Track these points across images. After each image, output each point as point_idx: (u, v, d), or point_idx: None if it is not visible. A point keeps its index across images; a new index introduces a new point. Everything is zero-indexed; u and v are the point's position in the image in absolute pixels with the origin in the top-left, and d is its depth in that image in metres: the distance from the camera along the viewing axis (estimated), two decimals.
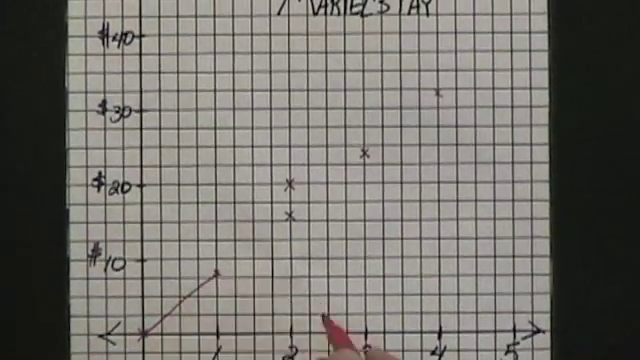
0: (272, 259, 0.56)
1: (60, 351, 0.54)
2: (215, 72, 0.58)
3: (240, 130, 0.56)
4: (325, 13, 0.57)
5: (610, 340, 0.56)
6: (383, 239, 0.56)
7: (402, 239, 0.56)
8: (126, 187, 0.56)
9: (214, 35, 0.57)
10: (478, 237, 0.57)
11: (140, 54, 0.56)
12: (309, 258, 0.56)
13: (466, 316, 0.56)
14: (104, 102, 0.56)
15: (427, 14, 0.57)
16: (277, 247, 0.56)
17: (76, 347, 0.55)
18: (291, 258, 0.56)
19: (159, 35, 0.57)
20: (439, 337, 0.56)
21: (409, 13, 0.57)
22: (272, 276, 0.56)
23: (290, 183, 0.56)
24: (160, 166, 0.56)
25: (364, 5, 0.57)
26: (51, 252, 0.55)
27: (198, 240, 0.56)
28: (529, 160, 0.59)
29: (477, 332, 0.56)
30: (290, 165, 0.56)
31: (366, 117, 0.57)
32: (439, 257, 0.57)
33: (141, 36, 0.56)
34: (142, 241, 0.56)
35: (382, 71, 0.57)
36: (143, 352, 0.55)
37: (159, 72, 0.57)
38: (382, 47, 0.57)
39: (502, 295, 0.56)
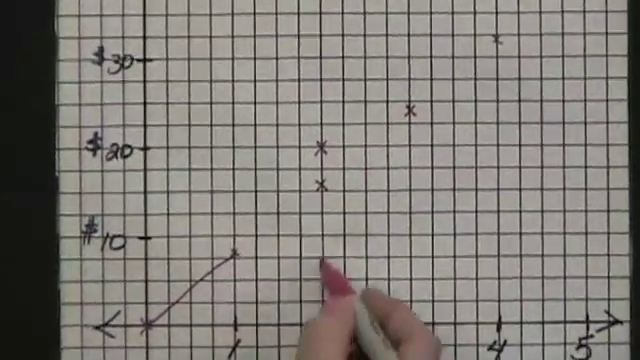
0: (300, 236, 0.51)
1: (50, 345, 0.50)
2: (233, 14, 0.52)
3: (262, 83, 0.51)
4: None
5: None
6: (432, 213, 0.51)
7: (454, 212, 0.51)
8: (127, 151, 0.51)
9: None
10: (544, 210, 0.51)
11: None
12: (344, 235, 0.51)
13: (530, 304, 0.51)
14: (101, 49, 0.51)
15: None
16: (306, 222, 0.51)
17: (68, 340, 0.51)
18: (323, 235, 0.51)
19: None
20: (498, 329, 0.51)
21: None
22: (300, 257, 0.51)
23: (322, 146, 0.51)
24: (167, 125, 0.51)
25: None
26: (38, 228, 0.51)
27: (212, 214, 0.51)
28: (605, 120, 0.52)
29: (543, 323, 0.51)
30: (322, 125, 0.51)
31: (412, 68, 0.51)
32: (498, 234, 0.51)
33: None
34: (146, 215, 0.51)
35: (431, 13, 0.52)
36: (147, 346, 0.51)
37: (166, 14, 0.52)
38: None
39: (573, 279, 0.51)
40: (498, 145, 0.51)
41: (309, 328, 0.44)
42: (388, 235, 0.51)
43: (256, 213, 0.51)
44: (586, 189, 0.52)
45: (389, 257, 0.51)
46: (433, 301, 0.51)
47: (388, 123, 0.51)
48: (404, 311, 0.47)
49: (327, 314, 0.46)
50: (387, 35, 0.51)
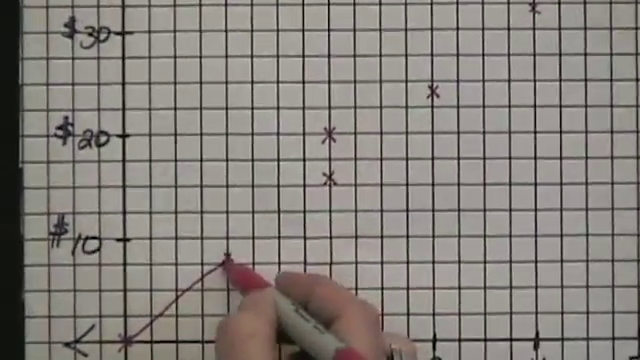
0: (304, 238, 0.48)
1: None
2: None
3: (261, 59, 0.48)
4: None
5: None
6: (459, 211, 0.48)
7: (484, 210, 0.48)
8: (102, 138, 0.49)
9: None
10: (590, 208, 0.48)
11: None
12: (356, 237, 0.49)
13: (572, 317, 0.48)
14: (72, 20, 0.49)
15: None
16: (312, 221, 0.49)
17: (33, 359, 0.49)
18: (331, 237, 0.49)
19: None
20: (535, 347, 0.48)
21: None
22: (304, 262, 0.49)
23: (330, 133, 0.48)
24: (149, 109, 0.49)
25: None
26: None
27: (202, 212, 0.48)
28: None
29: (588, 340, 0.48)
30: (330, 108, 0.48)
31: (435, 41, 0.48)
32: (535, 236, 0.48)
33: None
34: (124, 213, 0.49)
35: None
36: None
37: None
38: None
39: (622, 288, 0.48)
40: (535, 132, 0.48)
41: (226, 327, 0.41)
42: (407, 237, 0.48)
43: (253, 211, 0.49)
44: (638, 183, 0.48)
45: (408, 262, 0.49)
46: (459, 314, 0.48)
47: (407, 106, 0.48)
48: (325, 286, 0.44)
49: (243, 310, 0.43)
50: (406, 4, 0.49)
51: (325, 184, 0.48)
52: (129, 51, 0.48)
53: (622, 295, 0.48)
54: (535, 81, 0.48)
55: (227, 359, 0.40)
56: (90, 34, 0.48)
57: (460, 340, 0.48)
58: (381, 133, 0.48)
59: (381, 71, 0.48)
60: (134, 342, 0.48)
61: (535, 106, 0.48)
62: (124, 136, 0.48)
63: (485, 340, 0.48)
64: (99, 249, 0.48)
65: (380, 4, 0.48)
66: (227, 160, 0.48)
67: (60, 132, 0.48)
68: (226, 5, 0.48)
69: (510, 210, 0.48)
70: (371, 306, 0.42)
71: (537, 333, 0.48)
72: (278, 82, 0.48)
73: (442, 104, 0.48)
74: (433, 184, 0.48)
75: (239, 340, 0.40)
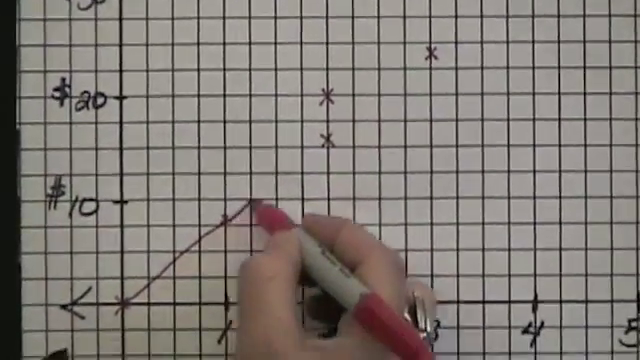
0: (302, 199, 0.48)
1: (9, 327, 0.49)
2: None
3: (258, 21, 0.48)
4: None
5: None
6: (456, 172, 0.48)
7: (482, 172, 0.48)
8: (100, 100, 0.49)
9: None
10: (588, 170, 0.48)
11: None
12: (353, 199, 0.49)
13: (571, 280, 0.48)
14: None
15: None
16: (309, 183, 0.49)
17: (30, 322, 0.49)
18: (329, 199, 0.49)
19: None
20: (534, 309, 0.48)
21: None
22: None
23: (327, 95, 0.48)
24: (147, 70, 0.49)
25: None
26: None
27: (200, 173, 0.48)
28: None
29: (586, 302, 0.48)
30: (327, 70, 0.48)
31: (433, 4, 0.48)
32: (534, 198, 0.48)
33: None
34: (121, 175, 0.49)
35: None
36: (122, 328, 0.48)
37: None
38: None
39: (621, 251, 0.48)
40: (534, 93, 0.48)
41: (249, 268, 0.41)
42: (405, 198, 0.48)
43: (250, 173, 0.48)
44: (637, 145, 0.48)
45: (406, 224, 0.48)
46: (458, 276, 0.48)
47: (405, 68, 0.48)
48: (349, 230, 0.44)
49: (266, 252, 0.43)
50: None
51: (323, 146, 0.48)
52: (126, 12, 0.48)
53: (621, 257, 0.48)
54: (533, 42, 0.48)
55: (246, 300, 0.40)
56: None
57: (458, 302, 0.48)
58: (379, 95, 0.48)
59: (379, 32, 0.48)
60: (131, 304, 0.48)
61: (534, 67, 0.47)
62: (121, 98, 0.48)
63: (483, 302, 0.48)
64: (96, 211, 0.48)
65: None
66: (224, 122, 0.48)
67: (57, 94, 0.48)
68: None
69: (508, 172, 0.47)
70: (396, 253, 0.43)
71: (535, 295, 0.48)
72: (276, 43, 0.48)
73: (440, 66, 0.48)
74: (431, 146, 0.48)
75: (259, 282, 0.40)
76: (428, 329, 0.42)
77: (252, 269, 0.41)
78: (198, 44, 0.48)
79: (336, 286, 0.40)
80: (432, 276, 0.48)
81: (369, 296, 0.39)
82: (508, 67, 0.47)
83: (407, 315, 0.42)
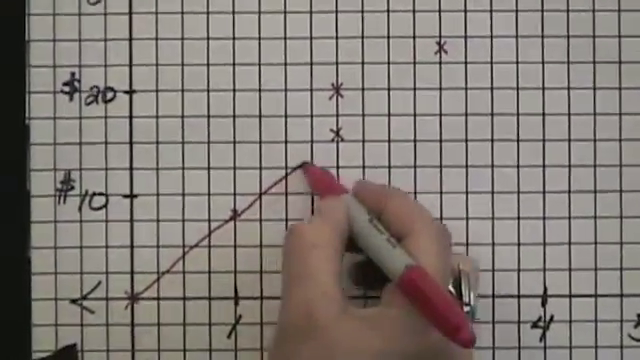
0: (312, 194, 0.48)
1: (19, 322, 0.48)
2: None
3: (267, 15, 0.48)
4: None
5: None
6: (466, 167, 0.48)
7: (492, 167, 0.48)
8: (109, 94, 0.49)
9: None
10: (597, 165, 0.48)
11: None
12: None
13: (581, 274, 0.48)
14: None
15: None
16: None
17: (40, 316, 0.48)
18: None
19: None
20: (543, 303, 0.48)
21: None
22: None
23: (337, 89, 0.48)
24: (157, 65, 0.48)
25: None
26: (5, 185, 0.49)
27: (209, 168, 0.48)
28: None
29: (596, 296, 0.48)
30: (337, 64, 0.48)
31: None
32: (543, 192, 0.48)
33: None
34: (131, 169, 0.49)
35: None
36: (132, 323, 0.48)
37: None
38: None
39: (630, 245, 0.48)
40: (543, 89, 0.48)
41: (293, 235, 0.41)
42: (415, 193, 0.48)
43: (260, 167, 0.48)
44: None
45: None
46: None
47: (415, 62, 0.48)
48: (398, 200, 0.43)
49: (313, 218, 0.43)
50: None
51: (333, 140, 0.48)
52: (136, 6, 0.48)
53: (630, 252, 0.48)
54: (543, 37, 0.47)
55: (290, 266, 0.40)
56: None
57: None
58: (389, 89, 0.48)
59: (389, 27, 0.48)
60: (141, 299, 0.48)
61: (543, 62, 0.47)
62: (131, 92, 0.48)
63: (493, 297, 0.47)
64: (106, 205, 0.48)
65: None
66: (234, 116, 0.48)
67: (67, 88, 0.48)
68: None
69: (518, 166, 0.47)
70: (444, 226, 0.42)
71: (545, 290, 0.48)
72: (285, 38, 0.48)
73: (450, 60, 0.48)
74: (441, 140, 0.47)
75: (303, 249, 0.40)
76: (472, 303, 0.42)
77: (296, 236, 0.40)
78: (208, 39, 0.48)
79: (382, 255, 0.40)
80: None
81: (414, 268, 0.38)
82: (517, 62, 0.47)
83: (451, 288, 0.41)
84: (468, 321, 0.37)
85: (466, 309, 0.42)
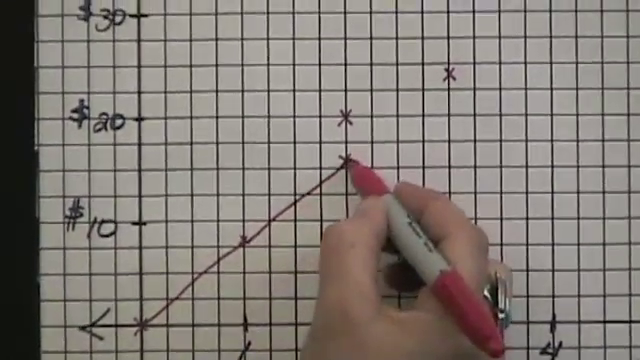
0: (321, 221, 0.48)
1: (28, 348, 0.48)
2: None
3: (277, 41, 0.48)
4: None
5: None
6: (475, 193, 0.48)
7: (501, 193, 0.48)
8: (118, 121, 0.48)
9: None
10: (606, 191, 0.48)
11: None
12: None
13: (589, 300, 0.48)
14: (88, 3, 0.49)
15: None
16: (328, 205, 0.48)
17: (49, 343, 0.48)
18: None
19: None
20: (552, 329, 0.48)
21: None
22: None
23: (346, 116, 0.48)
24: (165, 92, 0.48)
25: None
26: (14, 212, 0.49)
27: (218, 194, 0.48)
28: None
29: (605, 322, 0.48)
30: (346, 90, 0.48)
31: (451, 24, 0.48)
32: (552, 219, 0.48)
33: None
34: (140, 197, 0.48)
35: None
36: (142, 350, 0.48)
37: None
38: None
39: (639, 271, 0.48)
40: (552, 115, 0.47)
41: (332, 234, 0.41)
42: None
43: (269, 194, 0.48)
44: None
45: None
46: None
47: (423, 89, 0.48)
48: (439, 204, 0.43)
49: (352, 218, 0.43)
50: None
51: (342, 167, 0.48)
52: (145, 34, 0.48)
53: (639, 278, 0.47)
54: (552, 63, 0.47)
55: (327, 266, 0.40)
56: (105, 17, 0.48)
57: None
58: (397, 116, 0.48)
59: (397, 53, 0.47)
60: (150, 326, 0.48)
61: (552, 89, 0.47)
62: (140, 119, 0.48)
63: None
64: (115, 232, 0.48)
65: None
66: (243, 143, 0.48)
67: (76, 115, 0.48)
68: None
69: (527, 193, 0.47)
70: (481, 231, 0.42)
71: (554, 316, 0.47)
72: (294, 64, 0.48)
73: (458, 86, 0.47)
74: (449, 167, 0.47)
75: (341, 249, 0.40)
76: (507, 309, 0.41)
77: (334, 236, 0.40)
78: (216, 65, 0.48)
79: (418, 259, 0.40)
80: None
81: (449, 273, 0.38)
82: (526, 88, 0.47)
83: (487, 293, 0.41)
84: (499, 331, 0.37)
85: (501, 316, 0.42)
